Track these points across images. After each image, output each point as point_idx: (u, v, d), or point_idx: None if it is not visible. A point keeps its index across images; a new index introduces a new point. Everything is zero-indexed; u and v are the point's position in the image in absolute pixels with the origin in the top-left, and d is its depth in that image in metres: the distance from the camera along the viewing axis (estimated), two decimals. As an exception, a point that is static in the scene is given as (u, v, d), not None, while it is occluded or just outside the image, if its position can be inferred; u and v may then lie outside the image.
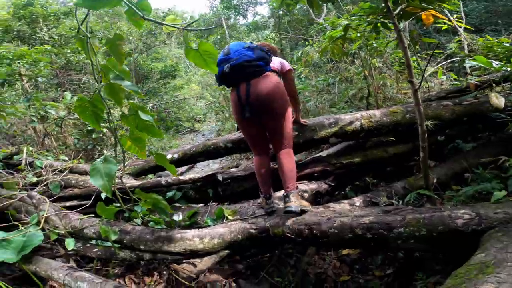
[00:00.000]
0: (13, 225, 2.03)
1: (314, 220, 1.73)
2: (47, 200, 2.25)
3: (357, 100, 3.70)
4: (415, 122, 1.96)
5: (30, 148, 3.60)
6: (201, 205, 2.64)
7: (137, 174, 3.03)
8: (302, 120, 2.44)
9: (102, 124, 1.49)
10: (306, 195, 2.41)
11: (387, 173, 2.87)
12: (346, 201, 2.21)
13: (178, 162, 2.84)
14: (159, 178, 2.54)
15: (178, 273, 1.92)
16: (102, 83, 1.33)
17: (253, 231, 1.85)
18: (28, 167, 3.16)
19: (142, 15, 1.12)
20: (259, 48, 1.97)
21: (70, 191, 2.78)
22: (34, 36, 5.59)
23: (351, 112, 3.02)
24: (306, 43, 5.45)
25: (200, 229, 1.92)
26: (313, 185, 2.51)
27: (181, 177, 2.50)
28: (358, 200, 2.23)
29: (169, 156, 2.82)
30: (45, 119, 4.21)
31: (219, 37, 8.30)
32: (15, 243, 1.82)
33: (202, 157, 2.81)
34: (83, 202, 2.53)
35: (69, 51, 5.64)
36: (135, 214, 2.25)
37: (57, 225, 2.08)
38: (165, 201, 1.92)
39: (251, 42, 2.04)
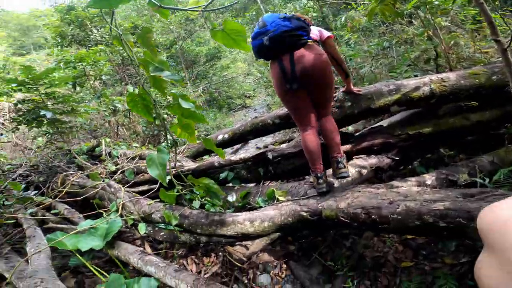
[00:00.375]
0: (99, 212, 2.38)
1: (373, 203, 1.54)
2: (122, 188, 2.55)
3: (422, 62, 3.21)
4: (505, 85, 1.60)
5: (108, 140, 4.09)
6: (253, 184, 2.70)
7: (194, 156, 3.24)
8: (355, 89, 2.24)
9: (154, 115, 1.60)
10: (364, 171, 2.24)
11: (468, 143, 2.43)
12: (414, 179, 1.94)
13: (229, 142, 2.96)
14: (212, 160, 2.63)
15: (232, 255, 2.02)
16: (144, 76, 1.40)
17: (304, 213, 1.78)
18: (108, 156, 3.61)
19: (159, 4, 1.12)
20: (295, 18, 1.84)
21: (141, 177, 3.11)
22: (88, 38, 6.15)
23: (415, 76, 2.63)
24: (349, 7, 4.88)
25: (250, 212, 1.93)
26: (372, 160, 2.31)
27: (232, 158, 2.56)
28: (430, 178, 1.94)
29: (220, 137, 2.92)
30: (116, 112, 4.70)
31: (254, 13, 7.94)
32: (100, 230, 2.12)
33: (251, 135, 2.85)
34: (152, 187, 2.83)
35: (120, 48, 6.03)
36: (193, 197, 2.42)
37: (131, 211, 2.37)
38: (216, 185, 2.00)
39: (285, 13, 1.89)
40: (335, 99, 2.26)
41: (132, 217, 2.27)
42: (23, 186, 3.49)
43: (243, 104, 8.97)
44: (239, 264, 2.04)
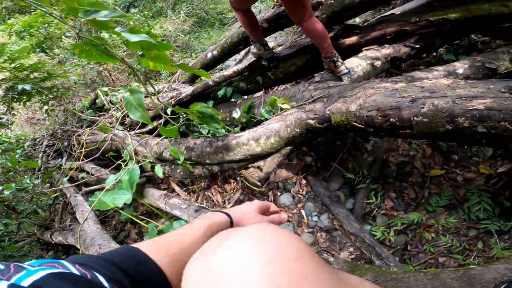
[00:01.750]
0: (118, 164, 2.44)
1: (390, 102, 1.26)
2: (128, 134, 2.54)
3: None
4: None
5: (104, 89, 3.96)
6: (256, 94, 2.53)
7: (191, 80, 3.05)
8: None
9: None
10: (378, 63, 1.95)
11: (506, 30, 1.93)
12: (441, 68, 1.62)
13: (221, 58, 2.74)
14: (206, 80, 2.45)
15: (248, 180, 2.03)
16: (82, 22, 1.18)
17: (311, 121, 1.62)
18: (110, 104, 3.55)
19: None
20: None
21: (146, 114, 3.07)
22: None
23: None
24: None
25: (253, 130, 1.80)
26: (386, 50, 1.99)
27: (225, 73, 2.36)
28: (461, 66, 1.60)
29: (209, 55, 2.70)
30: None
31: None
32: (124, 183, 2.21)
33: (241, 46, 2.56)
34: (160, 121, 2.75)
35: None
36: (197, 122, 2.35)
37: (145, 154, 2.40)
38: (209, 108, 1.88)
39: None
40: None
41: (147, 160, 2.31)
42: (54, 155, 3.70)
43: (236, 18, 7.98)
44: (257, 189, 2.06)
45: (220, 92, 2.43)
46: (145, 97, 3.07)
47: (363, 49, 2.08)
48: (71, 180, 2.86)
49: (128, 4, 7.41)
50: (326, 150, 2.16)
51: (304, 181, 2.25)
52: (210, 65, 2.77)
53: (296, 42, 2.18)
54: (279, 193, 2.30)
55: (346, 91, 1.58)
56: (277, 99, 1.95)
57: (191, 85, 2.88)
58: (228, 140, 1.84)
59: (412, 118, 1.19)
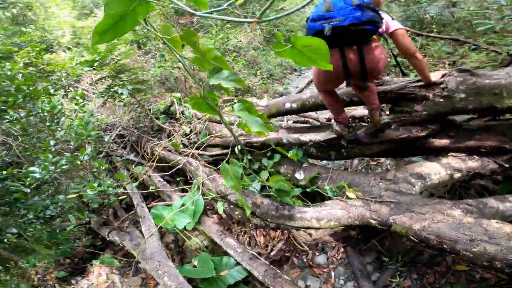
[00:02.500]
0: (184, 188, 2.77)
1: (451, 235, 1.42)
2: (200, 167, 2.84)
3: None
4: None
5: (178, 96, 4.31)
6: (324, 163, 2.68)
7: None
8: (438, 78, 1.94)
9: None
10: (458, 175, 1.94)
11: None
12: None
13: (297, 111, 2.86)
14: (280, 136, 2.61)
15: (296, 239, 2.22)
16: (204, 83, 1.44)
17: (372, 221, 1.78)
18: (182, 114, 3.87)
19: None
20: (370, 8, 1.56)
21: (212, 140, 3.30)
22: None
23: None
24: None
25: (318, 210, 1.97)
26: (473, 163, 1.96)
27: (301, 137, 2.47)
28: None
29: (287, 105, 2.82)
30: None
31: None
32: (189, 210, 2.52)
33: (321, 108, 2.66)
34: (224, 151, 3.01)
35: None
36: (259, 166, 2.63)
37: (210, 188, 2.69)
38: (286, 183, 2.11)
39: None
40: (442, 86, 1.92)
41: (211, 195, 2.60)
42: (121, 146, 4.14)
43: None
44: (301, 247, 2.26)
45: (291, 152, 2.59)
46: (218, 123, 3.37)
47: (449, 154, 2.07)
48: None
49: (213, 7, 7.80)
50: (370, 227, 2.33)
51: (342, 249, 2.44)
52: (283, 113, 2.92)
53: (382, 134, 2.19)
54: (317, 253, 2.51)
55: (415, 205, 1.69)
56: (347, 187, 2.09)
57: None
58: (293, 211, 2.05)
59: (462, 250, 1.37)
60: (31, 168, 2.34)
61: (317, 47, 0.92)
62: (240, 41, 6.41)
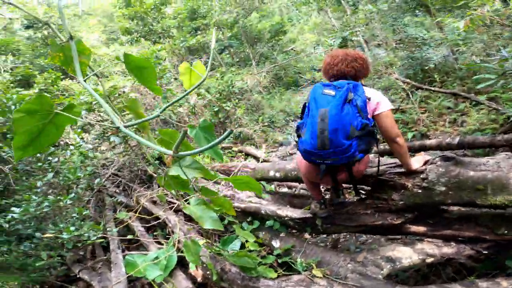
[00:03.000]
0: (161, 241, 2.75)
1: None
2: (178, 225, 2.85)
3: None
4: None
5: None
6: (300, 236, 2.65)
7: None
8: (420, 165, 1.86)
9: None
10: (430, 260, 1.91)
11: None
12: (485, 285, 1.60)
13: (280, 180, 2.96)
14: (259, 206, 2.67)
15: None
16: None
17: None
18: None
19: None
20: (368, 132, 1.62)
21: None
22: (150, 32, 6.32)
23: None
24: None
25: (283, 284, 1.97)
26: (448, 249, 1.90)
27: (278, 211, 2.51)
28: (508, 285, 1.55)
29: (271, 173, 2.93)
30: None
31: None
32: (161, 264, 2.50)
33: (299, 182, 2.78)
34: None
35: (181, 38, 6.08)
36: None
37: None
38: (252, 259, 2.09)
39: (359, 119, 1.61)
40: (422, 175, 1.84)
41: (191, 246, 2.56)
42: (115, 185, 4.21)
43: (312, 79, 8.32)
44: None
45: (268, 223, 2.62)
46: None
47: (424, 239, 2.03)
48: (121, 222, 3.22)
49: (223, 47, 8.26)
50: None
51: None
52: (267, 179, 3.00)
53: (359, 217, 2.16)
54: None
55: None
56: (314, 267, 2.06)
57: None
58: (258, 284, 2.04)
59: None
60: (13, 208, 2.42)
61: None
62: (246, 83, 6.64)
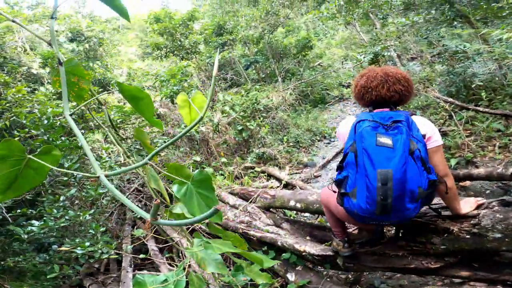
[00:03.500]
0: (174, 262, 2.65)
1: None
2: (187, 250, 2.73)
3: None
4: None
5: (197, 159, 4.39)
6: (318, 270, 2.42)
7: (265, 208, 3.13)
8: (471, 210, 1.55)
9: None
10: None
11: None
12: None
13: (300, 211, 2.77)
14: (276, 237, 2.48)
15: None
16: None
17: None
18: None
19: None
20: (429, 194, 1.37)
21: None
22: (179, 47, 6.50)
23: None
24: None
25: None
26: None
27: (296, 245, 2.30)
28: None
29: (291, 203, 2.73)
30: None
31: (342, 2, 6.34)
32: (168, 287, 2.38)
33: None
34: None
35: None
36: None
37: (196, 270, 2.53)
38: None
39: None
40: (473, 221, 1.56)
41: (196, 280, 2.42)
42: (138, 199, 4.24)
43: (340, 96, 8.05)
44: None
45: (285, 255, 2.43)
46: (224, 202, 3.32)
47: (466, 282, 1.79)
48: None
49: (248, 63, 8.32)
50: None
51: None
52: (286, 208, 2.82)
53: (387, 259, 1.90)
54: None
55: None
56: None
57: (265, 213, 2.95)
58: None
59: None
60: (33, 221, 2.48)
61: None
62: (271, 100, 6.53)
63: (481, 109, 3.84)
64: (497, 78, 4.58)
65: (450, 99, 4.16)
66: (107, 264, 3.23)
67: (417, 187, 1.29)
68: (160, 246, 3.10)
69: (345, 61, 9.95)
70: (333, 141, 6.02)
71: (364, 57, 6.19)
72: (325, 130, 6.27)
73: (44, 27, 10.47)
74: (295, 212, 3.37)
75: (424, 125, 1.43)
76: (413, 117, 1.44)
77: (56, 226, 2.59)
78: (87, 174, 0.68)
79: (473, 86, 4.56)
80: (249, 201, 3.13)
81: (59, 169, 0.66)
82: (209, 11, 11.09)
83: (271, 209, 3.07)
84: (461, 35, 5.62)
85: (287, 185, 4.26)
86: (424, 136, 1.38)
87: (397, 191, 1.27)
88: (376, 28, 7.62)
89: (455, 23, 5.45)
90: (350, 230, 2.34)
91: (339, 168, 1.50)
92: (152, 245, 3.06)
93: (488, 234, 1.51)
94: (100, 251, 2.68)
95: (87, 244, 2.60)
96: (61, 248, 2.62)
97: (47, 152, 0.68)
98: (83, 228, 2.99)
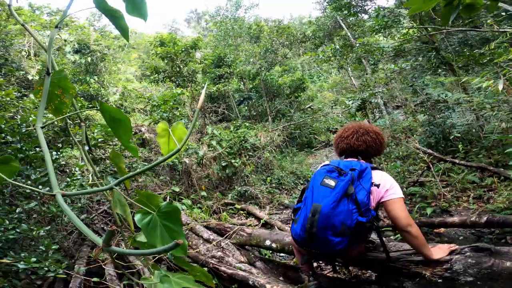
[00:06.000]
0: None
1: None
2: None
3: None
4: None
5: (177, 189, 4.22)
6: None
7: (240, 245, 2.98)
8: (443, 255, 1.56)
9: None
10: None
11: None
12: None
13: (276, 251, 2.67)
14: (248, 276, 2.33)
15: None
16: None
17: None
18: None
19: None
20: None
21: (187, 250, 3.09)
22: (176, 74, 6.65)
23: None
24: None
25: None
26: None
27: (268, 286, 2.17)
28: None
29: (267, 243, 2.64)
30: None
31: (338, 46, 6.90)
32: None
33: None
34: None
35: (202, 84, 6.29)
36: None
37: None
38: None
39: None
40: (445, 266, 1.56)
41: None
42: (105, 221, 3.97)
43: (326, 142, 8.23)
44: None
45: None
46: (197, 235, 3.16)
47: None
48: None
49: (242, 99, 8.54)
50: None
51: None
52: (261, 247, 2.71)
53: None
54: None
55: None
56: None
57: (238, 249, 2.82)
58: None
59: None
60: None
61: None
62: (259, 139, 6.58)
63: (457, 161, 3.95)
64: (473, 130, 4.75)
65: (429, 151, 4.28)
66: (52, 283, 2.90)
67: (340, 223, 1.43)
68: (119, 272, 2.82)
69: (334, 105, 10.36)
70: (316, 186, 5.98)
71: (352, 103, 6.45)
72: (308, 174, 6.29)
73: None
74: (270, 251, 3.23)
75: (381, 178, 1.56)
76: (374, 171, 1.58)
77: (4, 238, 2.37)
78: (41, 191, 0.63)
79: (451, 137, 4.75)
80: (224, 236, 2.99)
81: (12, 181, 0.60)
82: (212, 41, 11.54)
83: (246, 247, 2.93)
84: (443, 83, 5.97)
85: (266, 224, 4.14)
86: (377, 185, 1.52)
87: (321, 223, 1.44)
88: (366, 74, 8.03)
89: (439, 70, 5.81)
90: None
91: (298, 201, 1.73)
92: (110, 270, 2.79)
93: (460, 278, 1.52)
94: (46, 268, 2.44)
95: (33, 259, 2.38)
96: (1, 260, 2.38)
97: (5, 162, 0.63)
98: (33, 243, 2.74)
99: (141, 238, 1.11)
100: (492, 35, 5.72)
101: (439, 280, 1.58)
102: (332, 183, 1.49)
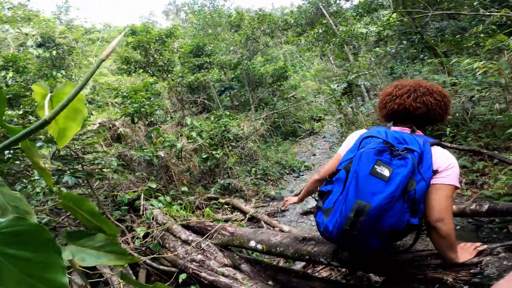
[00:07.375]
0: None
1: None
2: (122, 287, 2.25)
3: None
4: None
5: (153, 185, 3.94)
6: None
7: (222, 245, 2.75)
8: (470, 257, 1.27)
9: None
10: None
11: None
12: None
13: (261, 252, 2.40)
14: (231, 284, 2.09)
15: None
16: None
17: None
18: (145, 212, 3.44)
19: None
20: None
21: (164, 253, 2.82)
22: (150, 64, 6.24)
23: None
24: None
25: None
26: None
27: None
28: None
29: (251, 244, 2.35)
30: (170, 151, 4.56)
31: (321, 30, 6.72)
32: None
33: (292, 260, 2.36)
34: (172, 269, 2.59)
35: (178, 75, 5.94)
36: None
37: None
38: None
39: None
40: (473, 270, 1.30)
41: None
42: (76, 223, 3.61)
43: (311, 130, 8.08)
44: None
45: None
46: (175, 236, 2.90)
47: None
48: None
49: (223, 89, 8.18)
50: None
51: None
52: (245, 248, 2.48)
53: None
54: None
55: None
56: None
57: (220, 250, 2.58)
58: None
59: None
60: None
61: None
62: (242, 129, 6.30)
63: (448, 144, 3.78)
64: (457, 114, 4.58)
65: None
66: None
67: (389, 228, 1.10)
68: (91, 280, 2.53)
69: (317, 94, 10.26)
70: (302, 175, 5.84)
71: (338, 86, 6.23)
72: (294, 164, 6.09)
73: (16, 29, 9.76)
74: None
75: (440, 158, 1.17)
76: (434, 148, 1.19)
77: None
78: None
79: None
80: (205, 236, 2.72)
81: None
82: (191, 31, 11.09)
83: (229, 247, 2.69)
84: (421, 71, 5.88)
85: (252, 219, 3.92)
86: (436, 171, 1.14)
87: (367, 227, 1.11)
88: (349, 61, 7.92)
89: (421, 56, 5.71)
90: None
91: (328, 182, 1.32)
92: (76, 278, 2.49)
93: (492, 283, 1.22)
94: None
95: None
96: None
97: None
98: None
99: (67, 255, 0.80)
100: (470, 25, 5.70)
101: (464, 287, 1.31)
102: (386, 172, 1.08)
